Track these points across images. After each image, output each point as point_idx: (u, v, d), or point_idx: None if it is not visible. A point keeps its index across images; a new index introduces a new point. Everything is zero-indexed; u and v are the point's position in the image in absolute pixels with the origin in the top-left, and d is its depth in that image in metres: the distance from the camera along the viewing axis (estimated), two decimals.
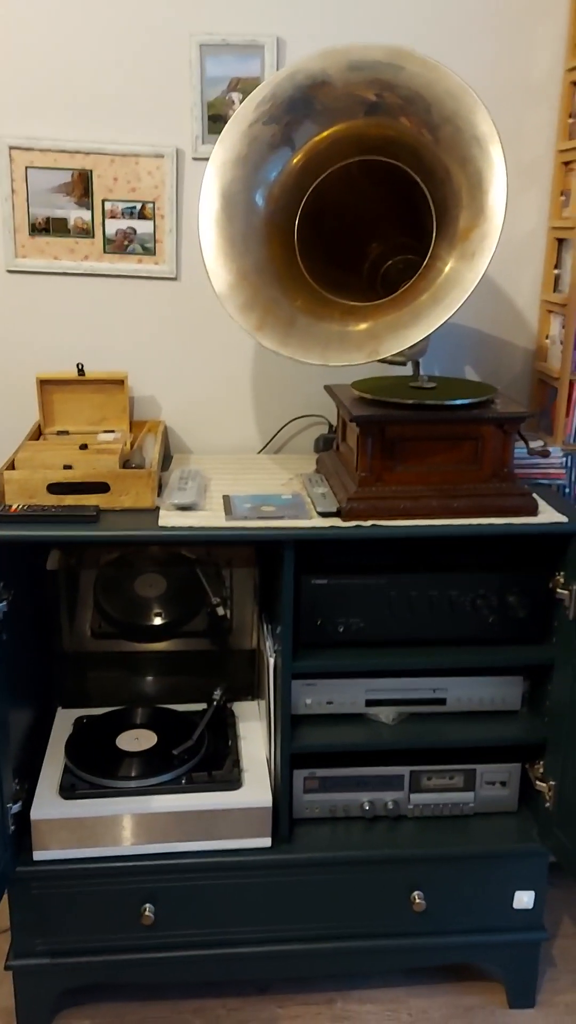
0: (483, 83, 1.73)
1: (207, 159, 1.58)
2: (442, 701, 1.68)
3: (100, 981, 1.71)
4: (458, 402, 1.58)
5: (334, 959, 1.73)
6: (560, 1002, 1.79)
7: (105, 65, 1.80)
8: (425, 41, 1.75)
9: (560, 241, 1.90)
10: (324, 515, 1.54)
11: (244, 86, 1.80)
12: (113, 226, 1.88)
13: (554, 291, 1.93)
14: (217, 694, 1.82)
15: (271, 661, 1.65)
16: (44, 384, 1.85)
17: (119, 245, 1.89)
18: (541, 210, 1.93)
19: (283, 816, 1.66)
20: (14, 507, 1.51)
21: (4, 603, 1.50)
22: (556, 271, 1.92)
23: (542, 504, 1.60)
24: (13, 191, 1.84)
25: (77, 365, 1.85)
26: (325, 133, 1.56)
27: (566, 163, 1.87)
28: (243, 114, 1.57)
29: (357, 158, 1.58)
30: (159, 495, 1.61)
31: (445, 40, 1.82)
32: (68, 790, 1.63)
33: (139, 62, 1.80)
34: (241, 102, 1.60)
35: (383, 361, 1.50)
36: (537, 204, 1.93)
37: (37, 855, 1.60)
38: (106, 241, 1.89)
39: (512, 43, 1.84)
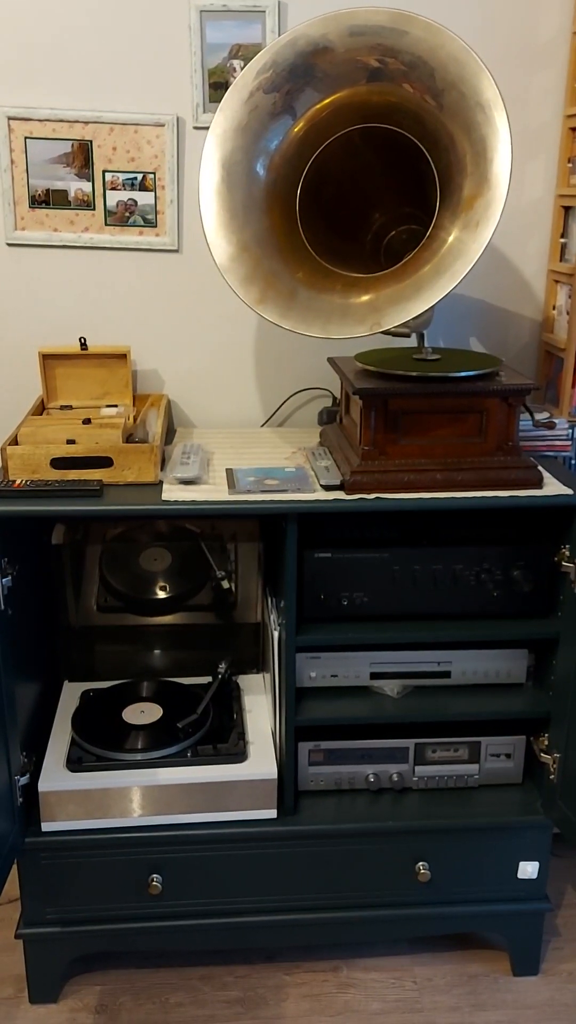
0: (488, 46, 1.70)
1: (208, 128, 1.55)
2: (447, 674, 1.68)
3: (109, 949, 1.74)
4: (462, 374, 1.56)
5: (340, 928, 1.75)
6: (563, 970, 1.81)
7: (103, 31, 1.77)
8: (428, 4, 1.71)
9: (567, 209, 1.87)
10: (327, 488, 1.54)
11: (245, 52, 1.77)
12: (114, 198, 1.86)
13: (561, 260, 1.90)
14: (222, 667, 1.83)
15: (275, 635, 1.65)
16: (47, 359, 1.84)
17: (120, 217, 1.87)
18: (548, 177, 1.90)
19: (288, 788, 1.68)
20: (17, 482, 1.51)
21: (9, 578, 1.51)
22: (563, 240, 1.89)
23: (547, 477, 1.59)
24: (12, 162, 1.82)
25: (80, 339, 1.84)
26: (327, 100, 1.54)
27: (574, 128, 1.83)
28: (243, 82, 1.54)
29: (359, 126, 1.56)
30: (162, 469, 1.61)
31: (449, 2, 1.78)
32: (75, 763, 1.64)
33: (138, 28, 1.77)
34: (242, 69, 1.57)
35: (387, 333, 1.48)
36: (544, 171, 1.89)
37: (45, 826, 1.62)
38: (107, 213, 1.86)
39: (518, 4, 1.80)
